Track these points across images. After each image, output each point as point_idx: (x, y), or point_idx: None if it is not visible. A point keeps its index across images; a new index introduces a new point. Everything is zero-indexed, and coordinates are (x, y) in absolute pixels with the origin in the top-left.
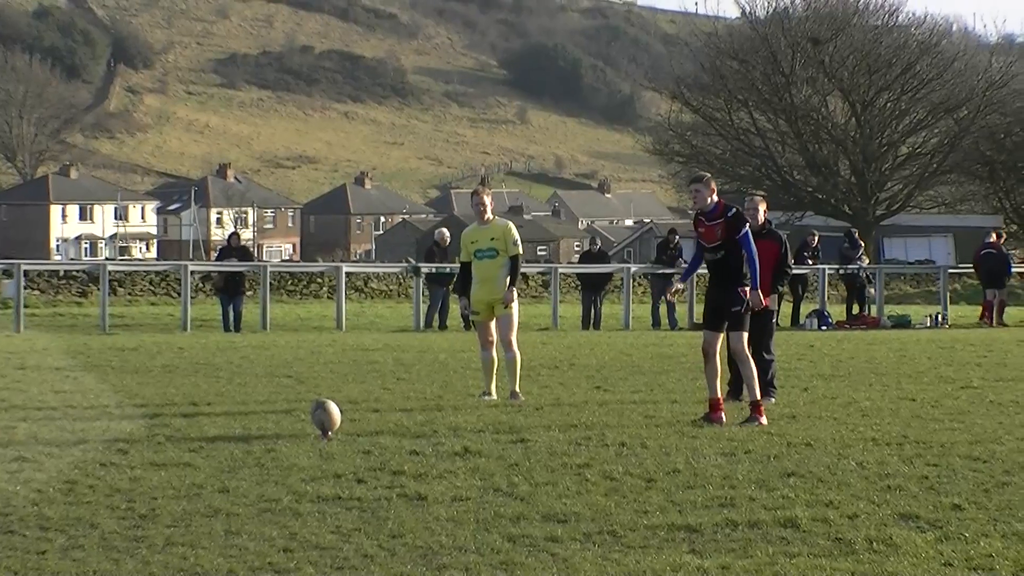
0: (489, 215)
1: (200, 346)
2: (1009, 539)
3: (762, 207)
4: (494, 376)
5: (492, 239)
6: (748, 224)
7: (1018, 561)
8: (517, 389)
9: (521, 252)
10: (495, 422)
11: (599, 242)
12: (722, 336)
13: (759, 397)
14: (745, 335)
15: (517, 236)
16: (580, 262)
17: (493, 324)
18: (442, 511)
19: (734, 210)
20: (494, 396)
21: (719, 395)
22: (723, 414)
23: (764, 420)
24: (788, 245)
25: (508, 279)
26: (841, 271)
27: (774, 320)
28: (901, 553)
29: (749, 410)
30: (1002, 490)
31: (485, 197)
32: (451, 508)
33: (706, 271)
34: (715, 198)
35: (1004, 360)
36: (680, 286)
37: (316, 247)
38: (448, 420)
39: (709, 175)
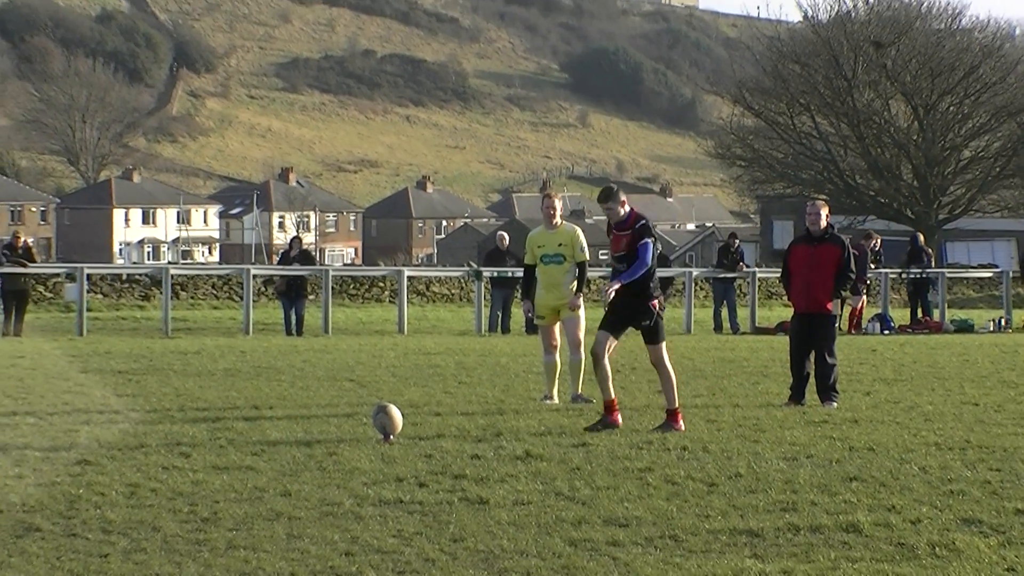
0: (558, 220)
1: (262, 350)
2: None
3: (824, 211)
4: (556, 380)
5: (560, 244)
6: (653, 237)
7: None
8: (580, 392)
9: (587, 258)
10: (557, 426)
11: (660, 246)
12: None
13: (677, 405)
14: (663, 345)
15: (584, 242)
16: None
17: (557, 328)
18: (503, 515)
19: (643, 221)
20: (556, 400)
21: (612, 396)
22: (619, 416)
23: (681, 425)
24: (851, 250)
25: (574, 284)
26: (904, 275)
27: (836, 324)
28: (964, 558)
29: (665, 416)
30: None
31: (556, 201)
32: (512, 512)
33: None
34: (627, 208)
35: None
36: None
37: (378, 251)
38: (510, 424)
39: (617, 188)
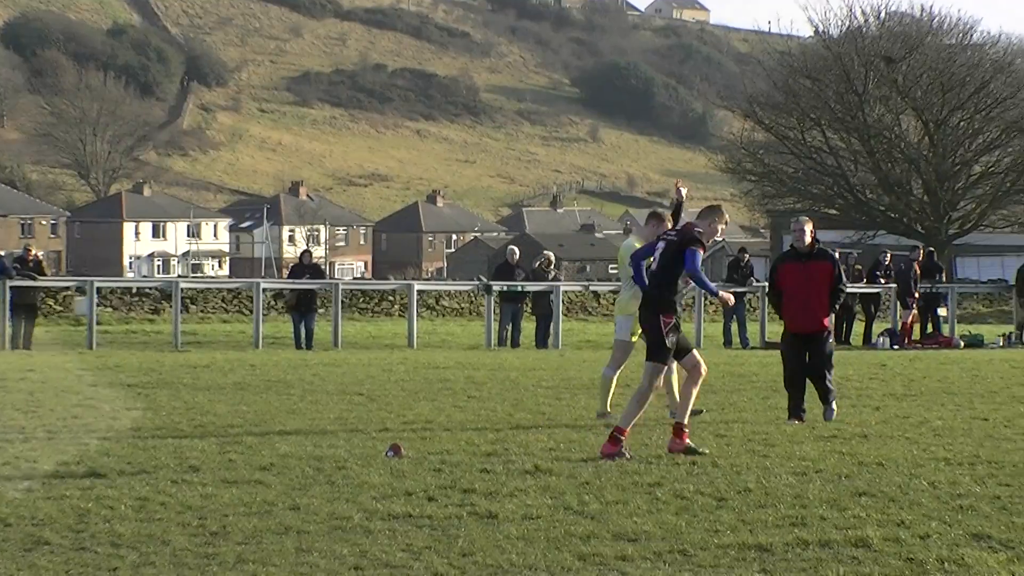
0: None
1: (272, 363)
2: None
3: (808, 227)
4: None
5: None
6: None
7: None
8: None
9: None
10: (566, 441)
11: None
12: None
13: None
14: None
15: None
16: None
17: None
18: (513, 529)
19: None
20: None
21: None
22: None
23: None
24: (840, 265)
25: None
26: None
27: (831, 339)
28: (973, 573)
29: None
30: None
31: (667, 224)
32: (522, 526)
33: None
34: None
35: None
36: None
37: (388, 265)
38: (519, 439)
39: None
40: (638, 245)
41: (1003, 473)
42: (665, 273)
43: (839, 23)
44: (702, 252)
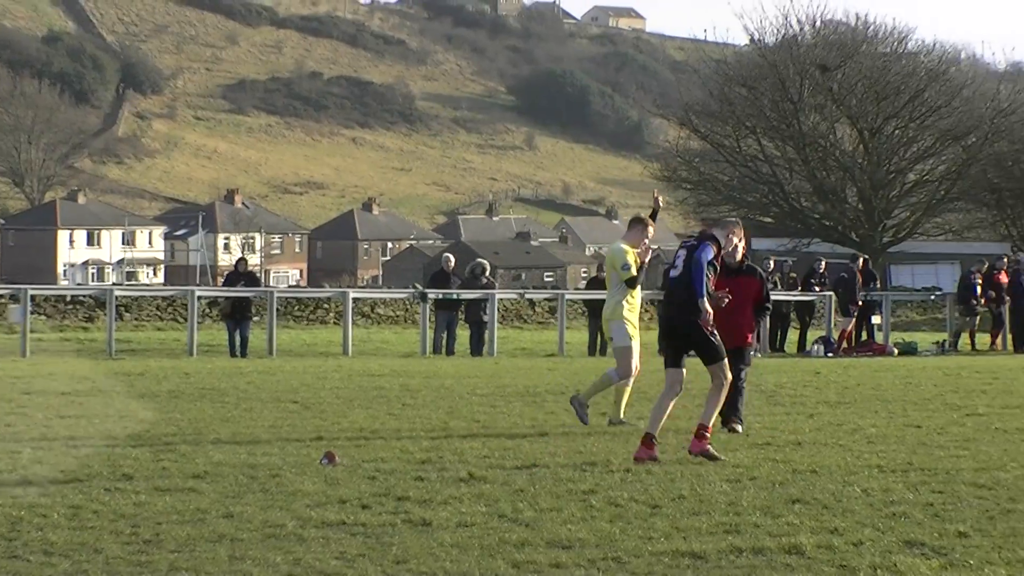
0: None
1: (206, 371)
2: (1014, 566)
3: (741, 245)
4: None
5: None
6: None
7: None
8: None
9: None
10: (500, 448)
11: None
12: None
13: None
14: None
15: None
16: (587, 288)
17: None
18: (447, 537)
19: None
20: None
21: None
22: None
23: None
24: (767, 283)
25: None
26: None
27: (752, 352)
28: None
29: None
30: (1007, 517)
31: (651, 227)
32: (456, 534)
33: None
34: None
35: (1010, 387)
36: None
37: (323, 273)
38: (454, 446)
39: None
40: (628, 250)
41: (936, 480)
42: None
43: (774, 31)
44: (715, 250)
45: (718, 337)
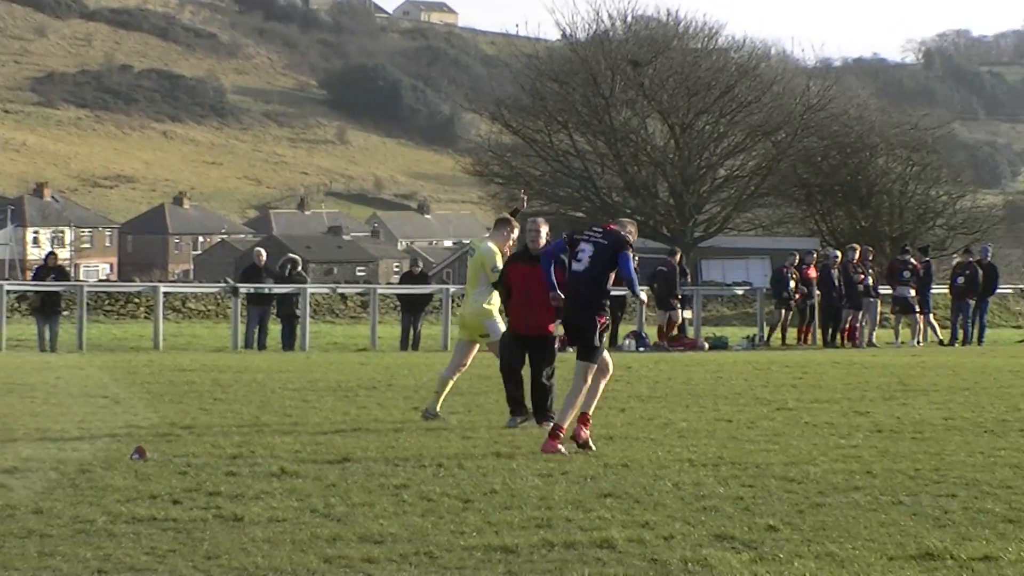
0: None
1: (15, 367)
2: (822, 559)
3: (544, 229)
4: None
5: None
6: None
7: None
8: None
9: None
10: (312, 443)
11: (420, 263)
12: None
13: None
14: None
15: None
16: (400, 283)
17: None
18: (258, 532)
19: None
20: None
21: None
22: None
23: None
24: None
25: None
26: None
27: (556, 346)
28: (716, 574)
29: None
30: (816, 511)
31: (516, 226)
32: (267, 529)
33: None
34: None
35: (819, 382)
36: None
37: (134, 267)
38: (265, 441)
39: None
40: (496, 250)
41: (746, 474)
42: (599, 274)
43: (586, 27)
44: (632, 254)
45: (603, 343)
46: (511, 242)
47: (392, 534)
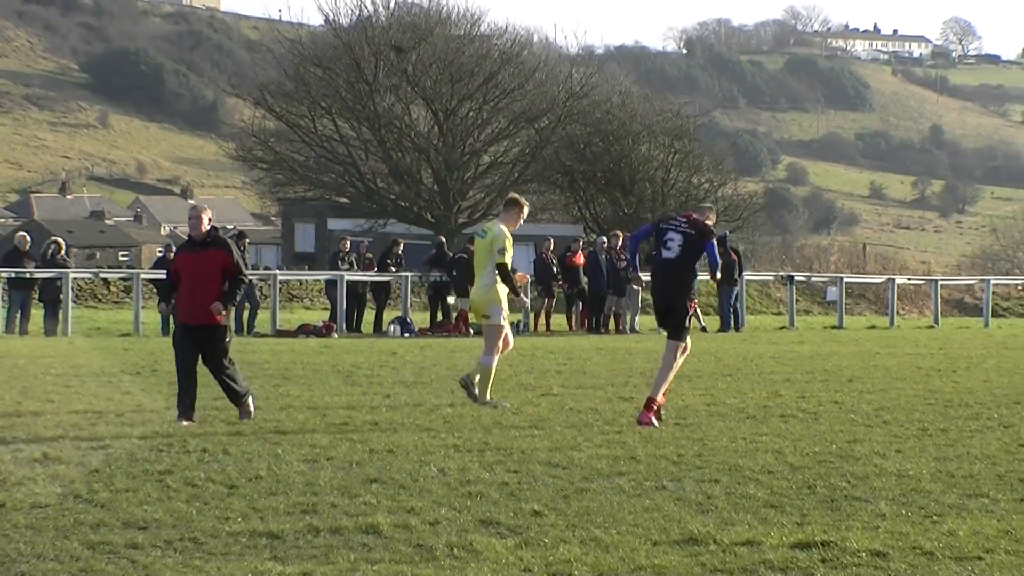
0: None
1: None
2: (587, 544)
3: (205, 215)
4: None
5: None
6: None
7: (596, 567)
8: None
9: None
10: (75, 428)
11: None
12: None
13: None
14: None
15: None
16: (154, 268)
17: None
18: (20, 518)
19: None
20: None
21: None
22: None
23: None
24: (237, 253)
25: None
26: (424, 279)
27: (228, 337)
28: (481, 559)
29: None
30: (580, 496)
31: (526, 208)
32: (30, 515)
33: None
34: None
35: (584, 367)
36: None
37: None
38: (27, 426)
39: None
40: (507, 233)
41: (511, 460)
42: (689, 261)
43: (349, 12)
44: (715, 241)
45: (689, 326)
46: (520, 222)
47: (156, 520)
